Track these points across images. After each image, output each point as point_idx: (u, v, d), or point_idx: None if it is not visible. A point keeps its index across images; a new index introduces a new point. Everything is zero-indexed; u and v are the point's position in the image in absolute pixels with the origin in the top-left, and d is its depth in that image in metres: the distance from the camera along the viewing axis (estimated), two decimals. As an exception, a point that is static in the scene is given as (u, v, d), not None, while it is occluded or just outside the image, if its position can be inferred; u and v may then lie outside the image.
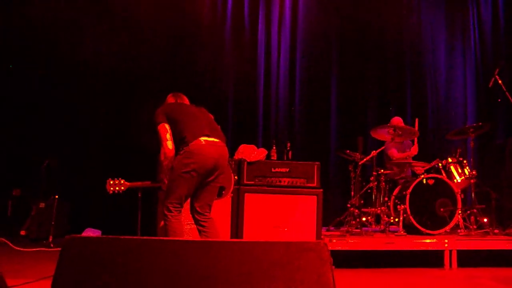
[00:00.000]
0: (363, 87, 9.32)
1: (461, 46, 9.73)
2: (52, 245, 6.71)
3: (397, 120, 7.89)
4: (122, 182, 4.62)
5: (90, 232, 7.36)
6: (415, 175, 7.42)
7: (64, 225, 7.61)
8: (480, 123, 7.24)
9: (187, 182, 4.46)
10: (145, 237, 2.95)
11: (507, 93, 7.04)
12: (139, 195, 6.92)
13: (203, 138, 4.55)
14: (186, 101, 5.05)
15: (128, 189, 4.78)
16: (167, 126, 4.57)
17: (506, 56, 9.00)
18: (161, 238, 3.64)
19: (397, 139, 7.61)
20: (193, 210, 4.68)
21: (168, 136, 4.53)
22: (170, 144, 4.50)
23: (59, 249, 2.88)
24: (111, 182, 4.64)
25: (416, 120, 7.65)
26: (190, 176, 4.45)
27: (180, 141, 4.54)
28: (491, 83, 7.15)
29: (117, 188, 4.63)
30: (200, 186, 4.63)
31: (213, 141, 4.61)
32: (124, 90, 8.37)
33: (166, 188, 4.56)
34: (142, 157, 7.17)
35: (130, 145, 7.82)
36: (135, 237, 2.90)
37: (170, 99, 5.01)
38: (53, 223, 6.93)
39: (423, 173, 6.82)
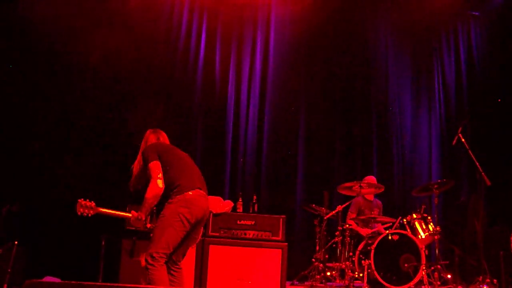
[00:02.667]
0: (329, 142, 9.40)
1: (427, 105, 9.94)
2: (6, 294, 6.49)
3: (370, 179, 7.97)
4: (93, 206, 4.26)
5: (50, 280, 7.15)
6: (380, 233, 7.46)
7: (21, 273, 7.38)
8: (445, 180, 7.36)
9: (177, 232, 4.31)
10: (107, 284, 2.89)
11: (470, 151, 7.18)
12: (103, 243, 6.81)
13: (197, 189, 4.49)
14: (166, 139, 4.97)
15: (96, 214, 4.51)
16: (159, 164, 4.46)
17: (469, 115, 9.22)
18: (123, 284, 3.57)
19: (355, 200, 7.68)
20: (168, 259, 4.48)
21: (160, 175, 4.39)
22: (161, 183, 4.36)
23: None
24: (82, 204, 4.25)
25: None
26: (183, 226, 4.32)
27: (172, 187, 4.40)
28: (454, 141, 7.29)
29: (86, 211, 4.35)
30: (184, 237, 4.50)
31: (203, 193, 4.58)
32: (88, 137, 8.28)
33: (152, 235, 4.36)
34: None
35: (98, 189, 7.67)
36: (97, 283, 2.84)
37: (152, 136, 4.88)
38: (9, 270, 6.71)
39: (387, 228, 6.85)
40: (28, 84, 7.95)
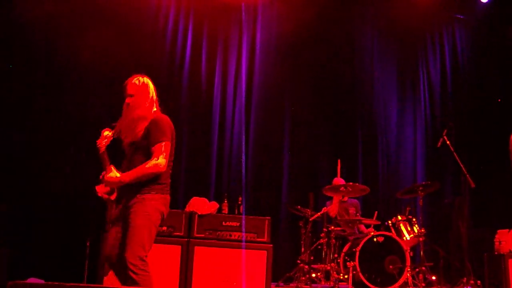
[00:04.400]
0: (315, 143, 9.42)
1: (412, 107, 10.01)
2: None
3: (338, 181, 7.98)
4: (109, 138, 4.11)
5: (33, 282, 7.09)
6: (362, 233, 7.48)
7: (5, 274, 7.31)
8: (429, 182, 7.40)
9: (154, 233, 4.10)
10: (91, 285, 2.87)
11: (454, 153, 7.24)
12: (87, 244, 6.77)
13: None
14: None
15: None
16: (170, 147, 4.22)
17: (454, 117, 9.29)
18: (108, 286, 3.55)
19: (346, 197, 7.73)
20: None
21: (168, 158, 4.18)
22: (165, 166, 4.12)
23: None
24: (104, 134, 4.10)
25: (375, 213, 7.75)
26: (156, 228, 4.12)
27: (159, 182, 4.15)
28: (439, 143, 7.35)
29: (103, 142, 4.09)
30: None
31: None
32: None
33: (135, 234, 3.94)
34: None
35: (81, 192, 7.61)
36: (81, 284, 2.81)
37: (155, 97, 4.54)
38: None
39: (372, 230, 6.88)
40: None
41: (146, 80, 4.43)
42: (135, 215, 3.99)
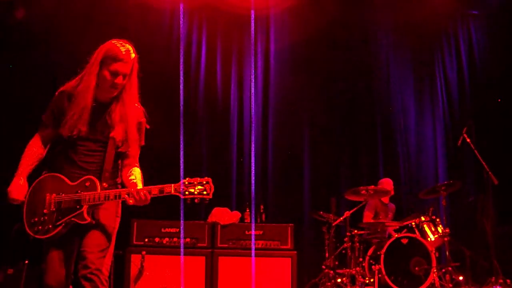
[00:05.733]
0: (335, 148, 9.39)
1: (430, 107, 9.93)
2: (19, 315, 6.50)
3: (386, 181, 8.00)
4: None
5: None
6: (390, 236, 7.44)
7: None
8: (452, 181, 7.35)
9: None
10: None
11: (475, 151, 7.18)
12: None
13: None
14: None
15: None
16: None
17: (473, 115, 9.20)
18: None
19: (372, 201, 7.71)
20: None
21: None
22: None
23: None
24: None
25: None
26: None
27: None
28: (459, 142, 7.30)
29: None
30: None
31: None
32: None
33: (102, 240, 3.42)
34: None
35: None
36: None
37: None
38: (21, 289, 6.72)
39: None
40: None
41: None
42: (104, 218, 3.46)
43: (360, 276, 6.78)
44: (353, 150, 9.47)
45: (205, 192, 3.27)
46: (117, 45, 3.46)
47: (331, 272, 6.94)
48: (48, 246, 3.45)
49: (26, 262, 7.00)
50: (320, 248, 7.74)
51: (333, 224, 7.30)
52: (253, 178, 8.82)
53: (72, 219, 3.34)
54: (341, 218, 7.20)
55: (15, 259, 7.19)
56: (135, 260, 5.78)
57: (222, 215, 6.15)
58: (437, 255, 6.81)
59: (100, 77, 3.41)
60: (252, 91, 9.28)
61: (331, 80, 9.55)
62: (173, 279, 5.68)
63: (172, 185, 3.26)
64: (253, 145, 9.06)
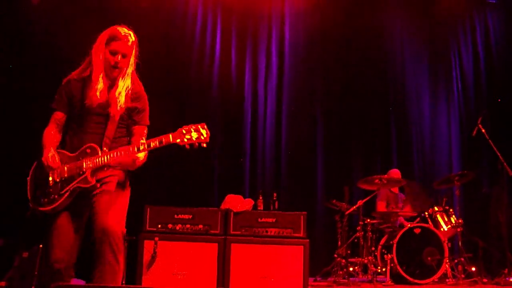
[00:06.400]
0: (348, 136, 9.38)
1: (445, 96, 9.88)
2: (34, 298, 6.56)
3: (394, 172, 7.99)
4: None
5: (74, 283, 7.20)
6: (402, 226, 7.42)
7: (48, 276, 7.45)
8: (465, 172, 7.31)
9: None
10: (129, 286, 2.90)
11: (490, 141, 7.14)
12: (125, 244, 6.85)
13: None
14: None
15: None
16: None
17: (488, 105, 9.13)
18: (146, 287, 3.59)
19: (383, 190, 7.70)
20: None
21: None
22: None
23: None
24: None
25: None
26: None
27: None
28: (474, 132, 7.25)
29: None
30: None
31: None
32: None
33: (116, 203, 3.54)
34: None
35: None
36: (119, 285, 2.85)
37: None
38: (36, 273, 6.79)
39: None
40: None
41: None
42: (112, 186, 3.56)
43: (372, 265, 6.79)
44: (367, 139, 9.45)
45: (202, 137, 3.41)
46: (118, 28, 3.67)
47: (343, 260, 6.95)
48: (55, 218, 3.54)
49: (41, 246, 7.06)
50: (333, 236, 7.77)
51: (346, 213, 7.31)
52: (266, 166, 8.86)
53: (77, 184, 3.44)
54: (354, 207, 7.20)
55: (30, 244, 7.26)
56: (148, 246, 5.80)
57: (235, 202, 6.15)
58: (449, 246, 6.80)
59: (104, 58, 3.61)
60: (267, 79, 9.28)
61: (346, 69, 9.52)
62: (186, 265, 5.71)
63: (170, 134, 3.40)
64: (267, 133, 9.07)
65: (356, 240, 7.35)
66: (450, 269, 6.62)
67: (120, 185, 3.61)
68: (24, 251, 7.24)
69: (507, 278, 6.69)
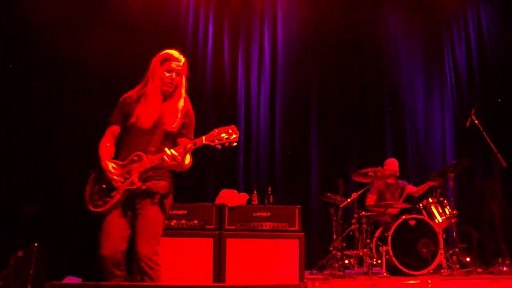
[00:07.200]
0: (343, 129, 9.39)
1: (439, 89, 9.91)
2: (30, 296, 6.54)
3: (391, 162, 8.00)
4: None
5: (70, 280, 7.20)
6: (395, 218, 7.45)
7: (43, 274, 7.43)
8: (458, 160, 7.33)
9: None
10: (126, 283, 2.90)
11: (484, 133, 7.16)
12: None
13: None
14: None
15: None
16: None
17: (481, 97, 9.15)
18: (141, 283, 3.60)
19: (377, 183, 7.71)
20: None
21: None
22: None
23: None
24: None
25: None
26: None
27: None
28: (468, 123, 7.27)
29: None
30: None
31: None
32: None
33: (152, 225, 3.86)
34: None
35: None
36: (115, 283, 2.85)
37: None
38: (31, 272, 6.77)
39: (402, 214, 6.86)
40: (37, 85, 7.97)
41: None
42: (153, 205, 3.91)
43: (368, 258, 6.80)
44: (361, 131, 9.47)
45: (232, 137, 3.81)
46: (171, 50, 4.16)
47: (339, 253, 6.97)
48: (105, 218, 3.88)
49: (36, 245, 7.05)
50: (328, 229, 7.79)
51: (341, 206, 7.33)
52: (261, 160, 8.86)
53: (126, 187, 3.83)
54: (349, 200, 7.22)
55: (25, 243, 7.24)
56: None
57: (230, 197, 6.15)
58: (444, 237, 6.83)
59: (160, 78, 4.05)
60: (260, 73, 9.27)
61: (339, 62, 9.52)
62: (181, 261, 5.71)
63: (203, 136, 3.83)
64: (261, 127, 9.07)
65: (351, 233, 7.36)
66: (445, 260, 6.65)
67: (162, 199, 3.96)
68: (19, 250, 7.23)
69: (501, 268, 6.72)
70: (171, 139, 4.06)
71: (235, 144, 3.82)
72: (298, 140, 9.22)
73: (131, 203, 3.89)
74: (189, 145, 3.81)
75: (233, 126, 3.85)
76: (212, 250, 5.82)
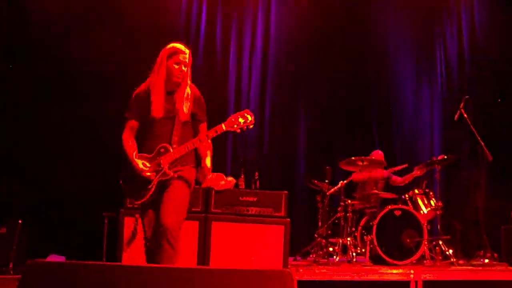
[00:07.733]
0: (331, 117, 9.40)
1: (428, 81, 9.93)
2: (12, 272, 6.52)
3: (377, 153, 8.02)
4: None
5: (54, 258, 7.17)
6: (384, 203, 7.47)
7: (26, 251, 7.40)
8: (447, 156, 7.36)
9: None
10: (110, 263, 2.89)
11: (471, 126, 7.18)
12: (106, 221, 6.85)
13: None
14: None
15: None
16: None
17: (471, 91, 9.17)
18: (126, 264, 3.59)
19: (364, 171, 7.73)
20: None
21: None
22: None
23: (20, 276, 2.78)
24: None
25: None
26: None
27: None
28: (456, 116, 7.28)
29: None
30: None
31: None
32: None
33: (176, 201, 4.17)
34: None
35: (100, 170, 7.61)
36: (99, 262, 2.84)
37: None
38: (14, 248, 6.73)
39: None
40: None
41: None
42: (181, 186, 4.21)
43: (352, 246, 6.83)
44: (349, 120, 9.49)
45: (248, 120, 4.15)
46: (177, 43, 4.39)
47: (323, 241, 6.99)
48: (145, 208, 4.25)
49: (20, 221, 7.01)
50: (314, 217, 7.80)
51: (327, 194, 7.33)
52: (249, 144, 8.86)
53: (159, 178, 4.15)
54: (336, 188, 7.23)
55: (8, 219, 7.19)
56: (128, 222, 5.80)
57: (217, 181, 6.15)
58: (428, 228, 6.88)
59: (168, 70, 4.27)
60: (251, 61, 9.25)
61: (330, 52, 9.52)
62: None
63: (223, 124, 4.20)
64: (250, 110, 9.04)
65: (336, 221, 7.38)
66: (428, 251, 6.70)
67: (188, 182, 4.28)
68: (1, 226, 7.17)
69: (482, 260, 6.79)
70: (190, 125, 4.38)
71: (251, 126, 4.17)
72: (286, 126, 9.22)
73: (163, 189, 4.19)
74: (210, 134, 4.17)
75: (247, 110, 4.18)
76: (197, 232, 5.83)
